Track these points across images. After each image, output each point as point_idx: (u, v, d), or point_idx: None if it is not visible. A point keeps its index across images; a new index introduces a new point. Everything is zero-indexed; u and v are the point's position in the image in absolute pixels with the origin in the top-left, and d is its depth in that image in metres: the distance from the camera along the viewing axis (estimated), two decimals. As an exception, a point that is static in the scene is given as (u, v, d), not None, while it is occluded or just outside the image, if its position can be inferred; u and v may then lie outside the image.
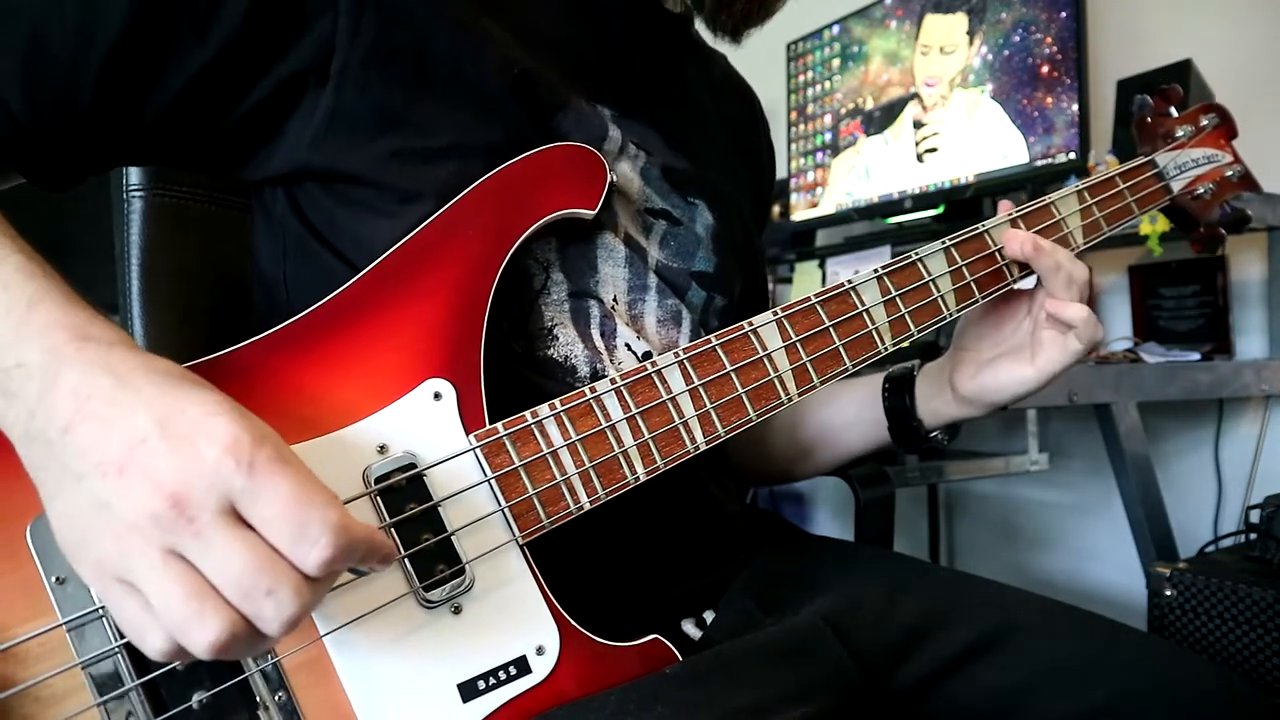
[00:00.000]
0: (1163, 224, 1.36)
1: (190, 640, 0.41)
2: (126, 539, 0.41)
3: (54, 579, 0.49)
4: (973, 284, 0.72)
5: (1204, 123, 0.86)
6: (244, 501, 0.41)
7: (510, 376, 0.62)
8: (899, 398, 0.82)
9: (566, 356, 0.65)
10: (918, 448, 0.84)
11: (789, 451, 0.91)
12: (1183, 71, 1.44)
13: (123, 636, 0.49)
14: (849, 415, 0.86)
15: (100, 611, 0.49)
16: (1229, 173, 0.85)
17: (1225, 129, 0.87)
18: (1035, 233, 0.74)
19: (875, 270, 0.69)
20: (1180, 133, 0.85)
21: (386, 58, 0.61)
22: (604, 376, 0.62)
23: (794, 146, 2.04)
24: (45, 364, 0.45)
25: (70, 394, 0.43)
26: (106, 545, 0.41)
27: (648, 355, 0.68)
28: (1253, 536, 1.20)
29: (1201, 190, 0.84)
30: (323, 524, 0.41)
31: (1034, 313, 0.74)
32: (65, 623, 0.49)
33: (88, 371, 0.44)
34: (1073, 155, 1.47)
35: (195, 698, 0.50)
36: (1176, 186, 0.83)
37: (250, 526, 0.41)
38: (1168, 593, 1.17)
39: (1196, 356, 1.48)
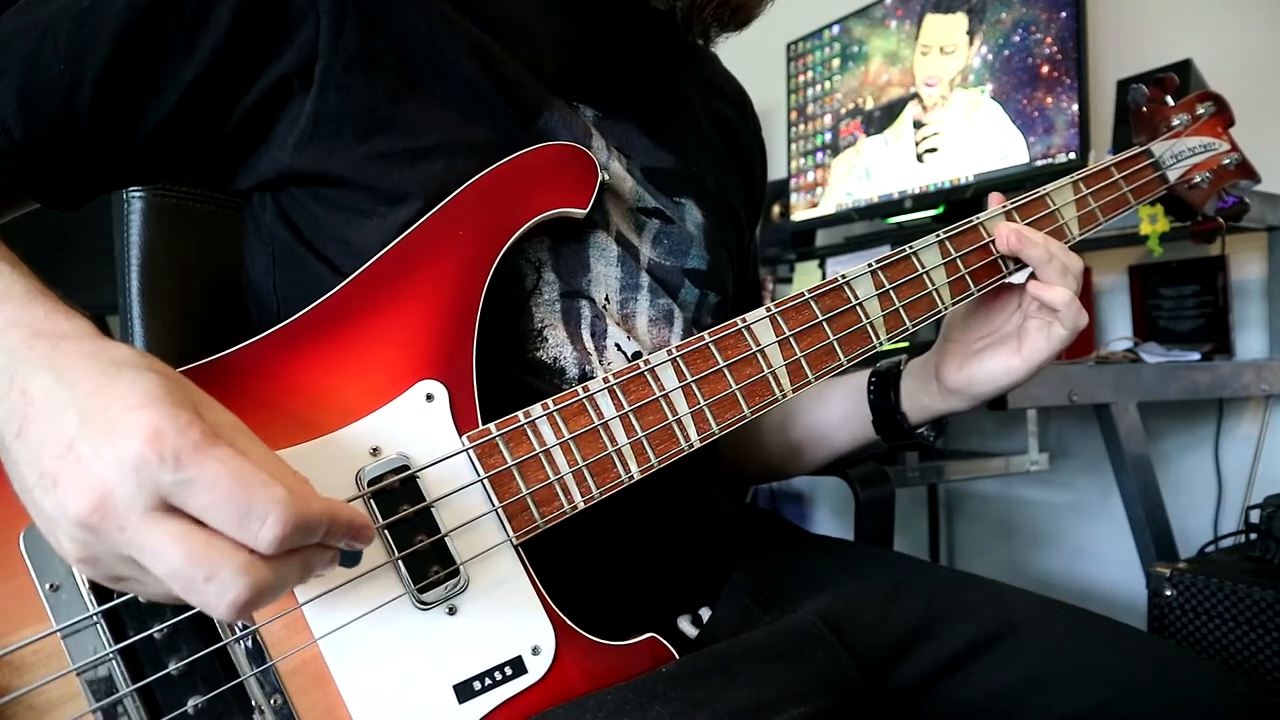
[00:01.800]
0: (1163, 224, 1.36)
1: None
2: (79, 550, 0.40)
3: (48, 586, 0.49)
4: (967, 276, 0.71)
5: (1200, 111, 0.85)
6: (177, 495, 0.39)
7: (500, 378, 0.61)
8: (884, 393, 0.81)
9: (556, 358, 0.65)
10: (904, 444, 0.83)
11: (782, 450, 0.90)
12: (1183, 71, 1.43)
13: (117, 641, 0.49)
14: (838, 414, 0.86)
15: (95, 618, 0.49)
16: (1226, 160, 0.84)
17: (1222, 117, 0.86)
18: (1029, 224, 0.73)
19: (869, 264, 0.69)
20: (1176, 121, 0.84)
21: (369, 60, 0.61)
22: (593, 378, 0.62)
23: (794, 146, 2.04)
24: (4, 366, 0.44)
25: (20, 397, 0.42)
26: (69, 551, 0.41)
27: (638, 355, 0.68)
28: (1253, 536, 1.20)
29: (1199, 179, 0.83)
30: (268, 501, 0.39)
31: (1024, 305, 0.73)
32: (59, 629, 0.49)
33: (34, 370, 0.43)
34: (1073, 155, 1.47)
35: (190, 702, 0.50)
36: (1173, 175, 0.82)
37: (190, 516, 0.40)
38: (1168, 593, 1.17)
39: (1196, 356, 1.47)
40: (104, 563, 0.41)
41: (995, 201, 0.74)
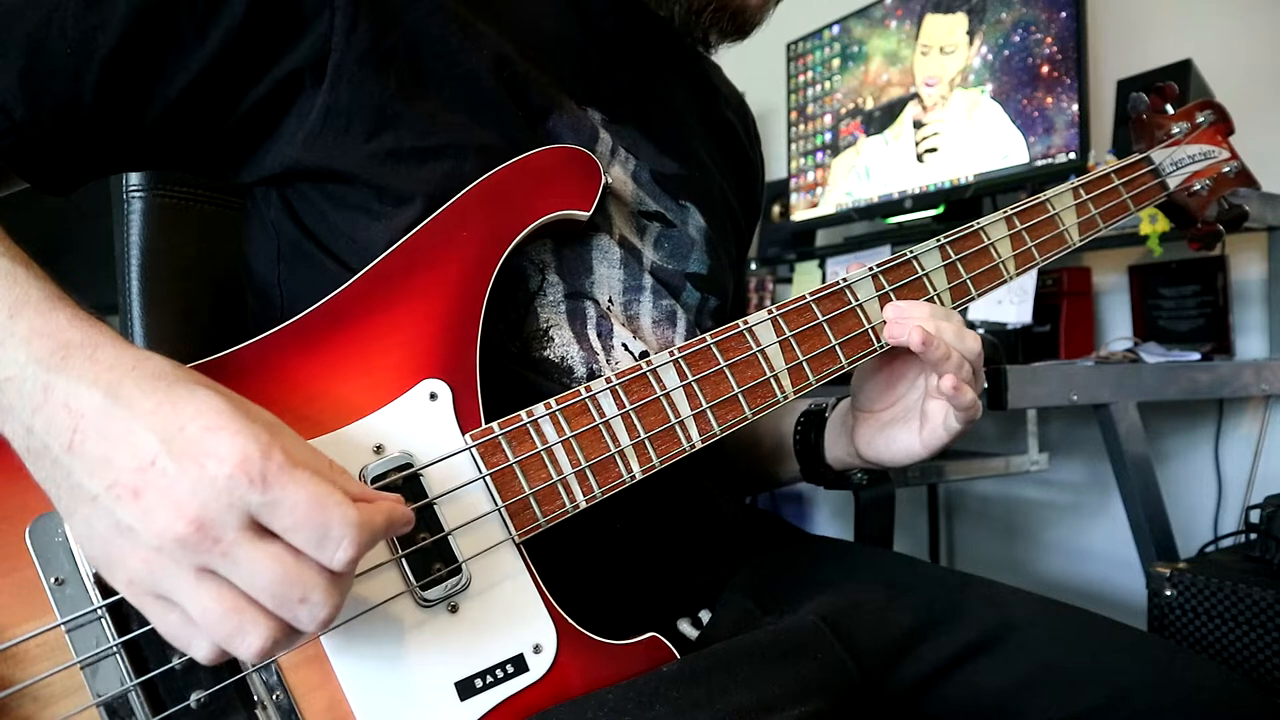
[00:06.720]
0: (1163, 224, 1.36)
1: (237, 650, 0.42)
2: (155, 561, 0.42)
3: (53, 580, 0.49)
4: (969, 282, 0.71)
5: (1200, 119, 0.85)
6: (263, 515, 0.42)
7: (507, 377, 0.62)
8: (809, 438, 0.81)
9: (563, 357, 0.66)
10: (831, 486, 0.83)
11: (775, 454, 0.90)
12: (1183, 71, 1.44)
13: (121, 635, 0.49)
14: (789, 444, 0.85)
15: (99, 612, 0.49)
16: (1226, 169, 0.85)
17: (1222, 125, 0.86)
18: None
19: (870, 267, 0.69)
20: (1176, 129, 0.85)
21: (381, 57, 0.61)
22: (600, 377, 0.62)
23: (794, 146, 2.04)
24: (34, 376, 0.44)
25: (64, 410, 0.43)
26: (135, 566, 0.42)
27: (644, 355, 0.68)
28: (1253, 536, 1.20)
29: (1198, 186, 0.84)
30: (343, 525, 0.42)
31: (926, 382, 0.70)
32: (64, 622, 0.49)
33: (75, 386, 0.44)
34: (1073, 155, 1.47)
35: (193, 697, 0.50)
36: (1173, 183, 0.83)
37: (274, 534, 0.42)
38: (1168, 593, 1.17)
39: (1196, 356, 1.47)
40: (159, 583, 0.42)
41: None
